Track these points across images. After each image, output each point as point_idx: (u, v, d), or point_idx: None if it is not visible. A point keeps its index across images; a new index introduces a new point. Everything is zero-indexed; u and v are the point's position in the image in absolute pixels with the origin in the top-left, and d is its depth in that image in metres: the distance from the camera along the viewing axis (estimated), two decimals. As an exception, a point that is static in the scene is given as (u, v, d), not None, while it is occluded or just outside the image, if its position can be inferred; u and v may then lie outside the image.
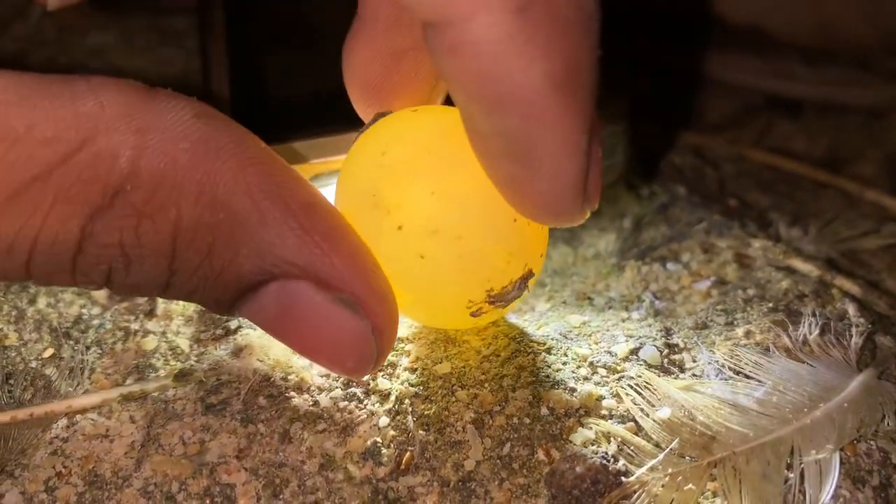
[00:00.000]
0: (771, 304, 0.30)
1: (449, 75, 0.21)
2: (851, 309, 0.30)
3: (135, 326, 0.29)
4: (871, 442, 0.25)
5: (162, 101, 0.22)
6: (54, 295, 0.30)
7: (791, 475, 0.24)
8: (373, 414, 0.26)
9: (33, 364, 0.28)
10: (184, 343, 0.29)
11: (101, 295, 0.31)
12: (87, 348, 0.28)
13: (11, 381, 0.27)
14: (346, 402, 0.26)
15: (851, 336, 0.28)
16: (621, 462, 0.24)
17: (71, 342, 0.29)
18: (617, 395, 0.26)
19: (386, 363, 0.27)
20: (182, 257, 0.22)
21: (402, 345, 0.28)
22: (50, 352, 0.28)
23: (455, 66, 0.20)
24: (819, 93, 0.55)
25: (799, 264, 0.33)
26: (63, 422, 0.26)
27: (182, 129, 0.21)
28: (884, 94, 0.54)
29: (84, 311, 0.30)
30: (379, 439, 0.25)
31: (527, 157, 0.21)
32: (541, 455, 0.25)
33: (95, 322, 0.30)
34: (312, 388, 0.27)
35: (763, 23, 0.58)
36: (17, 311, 0.30)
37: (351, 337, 0.23)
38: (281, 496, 0.24)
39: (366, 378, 0.27)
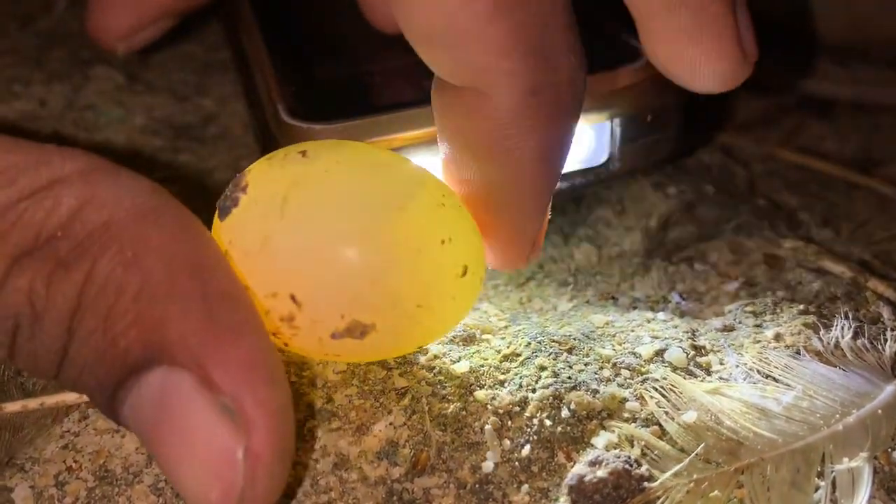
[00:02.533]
0: (801, 307, 0.29)
1: (454, 128, 0.25)
2: (886, 312, 0.29)
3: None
4: (907, 451, 0.24)
5: (123, 172, 0.22)
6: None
7: (822, 483, 0.23)
8: (389, 413, 0.25)
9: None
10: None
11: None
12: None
13: (24, 372, 0.27)
14: (362, 401, 0.25)
15: (886, 340, 0.27)
16: (644, 467, 0.24)
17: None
18: (641, 398, 0.26)
19: (402, 361, 0.26)
20: (82, 315, 0.21)
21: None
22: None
23: (466, 122, 0.24)
24: (851, 92, 0.53)
25: (831, 265, 0.32)
26: (75, 415, 0.26)
27: (132, 196, 0.22)
28: None
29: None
30: (394, 438, 0.25)
31: (502, 207, 0.25)
32: (561, 458, 0.24)
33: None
34: (327, 385, 0.26)
35: (795, 21, 0.57)
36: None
37: (218, 453, 0.20)
38: (294, 495, 0.24)
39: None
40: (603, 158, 0.32)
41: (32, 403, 0.26)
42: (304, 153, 0.24)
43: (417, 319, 0.24)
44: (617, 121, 0.31)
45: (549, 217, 0.27)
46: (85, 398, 0.26)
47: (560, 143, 0.25)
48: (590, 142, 0.32)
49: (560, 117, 0.24)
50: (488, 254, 0.26)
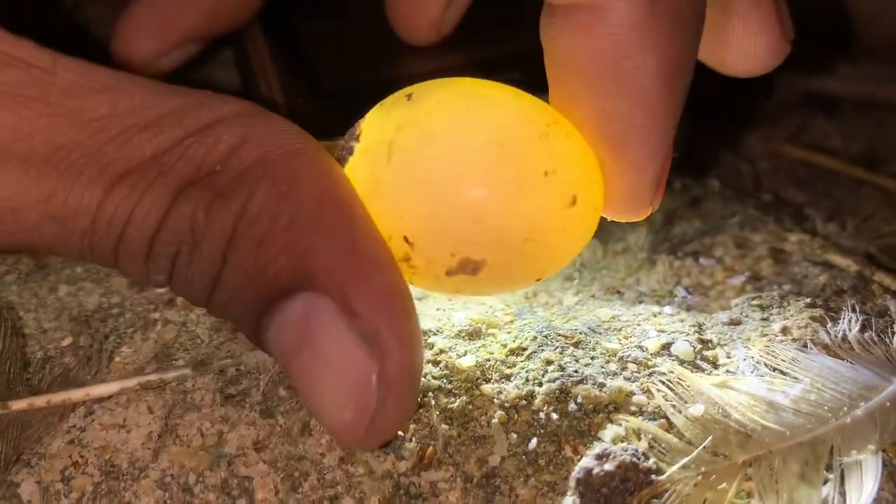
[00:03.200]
0: (808, 300, 0.29)
1: (568, 53, 0.23)
2: (893, 305, 0.29)
3: (154, 316, 0.29)
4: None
5: (275, 116, 0.24)
6: (74, 283, 0.30)
7: (830, 476, 0.23)
8: (395, 407, 0.25)
9: (52, 352, 0.28)
10: (203, 333, 0.28)
11: (121, 284, 0.30)
12: (106, 337, 0.28)
13: (30, 369, 0.27)
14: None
15: (894, 333, 0.27)
16: (652, 460, 0.23)
17: (90, 331, 0.28)
18: (648, 391, 0.26)
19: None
20: (237, 243, 0.22)
21: (426, 337, 0.28)
22: (69, 340, 0.28)
23: (581, 44, 0.22)
24: (856, 90, 0.53)
25: (837, 259, 0.32)
26: (81, 411, 0.26)
27: (284, 136, 0.23)
28: None
29: (104, 299, 0.30)
30: (401, 432, 0.24)
31: (621, 143, 0.23)
32: (568, 451, 0.24)
33: (115, 311, 0.29)
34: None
35: (801, 19, 0.57)
36: (37, 298, 0.29)
37: (354, 374, 0.21)
38: (300, 489, 0.24)
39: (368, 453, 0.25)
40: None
41: (39, 401, 0.26)
42: (409, 96, 0.24)
43: (528, 253, 0.23)
44: None
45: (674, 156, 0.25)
46: (91, 396, 0.26)
47: (683, 65, 0.23)
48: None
49: (682, 32, 0.22)
50: (608, 200, 0.25)
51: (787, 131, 0.49)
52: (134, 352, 0.28)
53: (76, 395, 0.26)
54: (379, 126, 0.24)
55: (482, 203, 0.23)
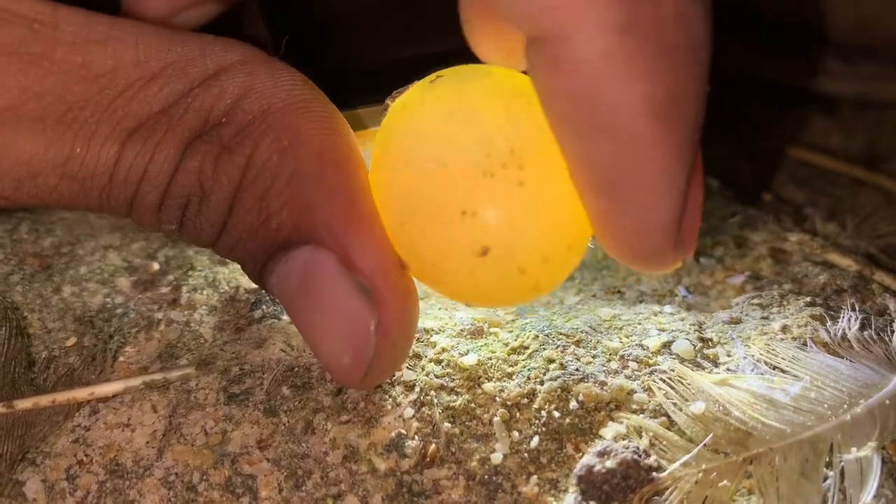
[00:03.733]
0: (808, 299, 0.29)
1: (545, 93, 0.20)
2: (892, 304, 0.29)
3: (158, 316, 0.29)
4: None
5: (277, 63, 0.24)
6: (78, 284, 0.30)
7: (831, 473, 0.23)
8: (397, 405, 0.25)
9: (56, 352, 0.28)
10: (207, 332, 0.28)
11: (125, 284, 0.30)
12: (111, 337, 0.28)
13: (34, 369, 0.27)
14: (371, 394, 0.26)
15: (893, 332, 0.27)
16: (653, 457, 0.24)
17: (94, 331, 0.28)
18: (649, 390, 0.26)
19: (411, 353, 0.27)
20: (241, 195, 0.23)
21: (428, 336, 0.28)
22: (73, 340, 0.28)
23: (552, 83, 0.20)
24: (856, 89, 0.54)
25: (837, 259, 0.32)
26: (86, 410, 0.26)
27: (286, 87, 0.23)
28: None
29: (108, 300, 0.30)
30: (403, 431, 0.25)
31: (618, 189, 0.20)
32: (570, 449, 0.24)
33: (119, 311, 0.29)
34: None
35: (801, 19, 0.58)
36: (41, 299, 0.30)
37: (354, 324, 0.22)
38: (303, 488, 0.24)
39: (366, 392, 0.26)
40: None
41: (44, 400, 0.26)
42: (432, 81, 0.24)
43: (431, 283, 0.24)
44: None
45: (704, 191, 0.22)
46: (96, 395, 0.26)
47: (682, 97, 0.20)
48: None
49: (672, 61, 0.19)
50: (617, 249, 0.22)
51: (786, 131, 0.49)
52: (138, 351, 0.28)
53: (81, 394, 0.26)
54: (394, 107, 0.24)
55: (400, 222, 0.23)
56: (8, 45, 0.22)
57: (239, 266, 0.25)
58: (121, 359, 0.27)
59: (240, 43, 0.24)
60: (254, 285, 0.28)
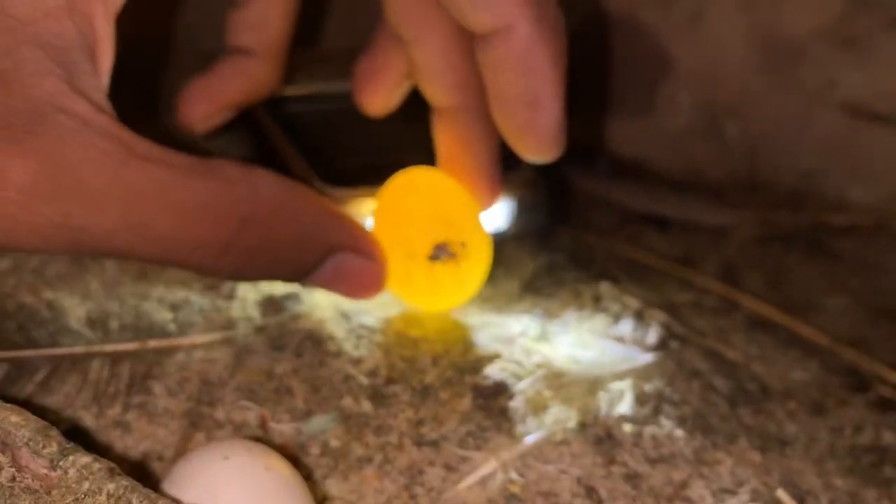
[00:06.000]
0: (611, 319, 0.50)
1: (495, 63, 0.37)
2: (657, 324, 0.50)
3: (222, 304, 0.48)
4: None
5: (258, 170, 0.36)
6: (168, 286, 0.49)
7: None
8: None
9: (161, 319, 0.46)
10: (255, 314, 0.47)
11: (199, 287, 0.49)
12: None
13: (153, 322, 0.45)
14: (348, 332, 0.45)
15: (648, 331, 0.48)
16: (512, 380, 0.43)
17: (182, 313, 0.47)
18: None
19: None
20: (283, 250, 0.37)
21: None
22: (171, 315, 0.46)
23: (502, 55, 0.36)
24: (681, 213, 0.74)
25: (630, 301, 0.53)
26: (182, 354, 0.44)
27: (276, 184, 0.36)
28: (728, 217, 0.74)
29: (188, 296, 0.48)
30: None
31: (538, 103, 0.37)
32: (467, 377, 0.44)
33: (196, 302, 0.48)
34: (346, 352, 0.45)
35: (644, 160, 0.79)
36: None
37: (374, 275, 0.42)
38: (321, 391, 0.42)
39: None
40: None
41: (163, 343, 0.44)
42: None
43: None
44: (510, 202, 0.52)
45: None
46: (192, 343, 0.44)
47: (562, 54, 0.36)
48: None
49: (558, 34, 0.36)
50: (541, 140, 0.39)
51: (624, 236, 0.70)
52: (210, 322, 0.46)
53: (183, 341, 0.44)
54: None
55: None
56: (108, 150, 0.31)
57: None
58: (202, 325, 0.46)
59: (230, 163, 0.35)
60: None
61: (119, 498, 0.27)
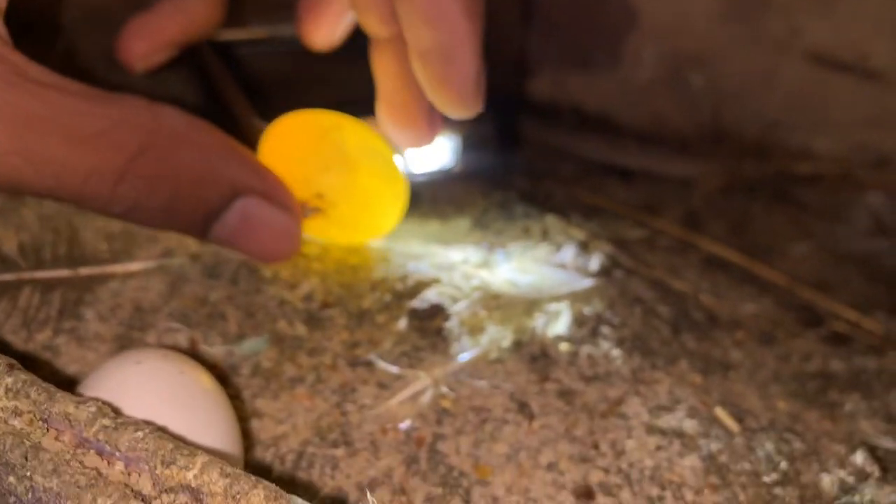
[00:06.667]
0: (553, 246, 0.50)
1: (408, 14, 0.37)
2: (601, 253, 0.50)
3: (159, 234, 0.47)
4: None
5: (162, 104, 0.35)
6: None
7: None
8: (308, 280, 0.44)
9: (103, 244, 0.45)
10: (192, 242, 0.46)
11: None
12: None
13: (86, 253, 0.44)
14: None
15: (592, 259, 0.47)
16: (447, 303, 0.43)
17: (119, 243, 0.46)
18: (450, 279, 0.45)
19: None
20: (180, 191, 0.35)
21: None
22: (106, 246, 0.46)
23: (414, 6, 0.36)
24: (645, 164, 0.74)
25: (576, 233, 0.52)
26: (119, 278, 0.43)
27: (179, 118, 0.35)
28: (693, 168, 0.74)
29: (127, 227, 0.47)
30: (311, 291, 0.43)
31: (451, 57, 0.37)
32: (404, 301, 0.43)
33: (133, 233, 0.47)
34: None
35: (609, 113, 0.79)
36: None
37: (288, 228, 0.38)
38: (255, 316, 0.42)
39: None
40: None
41: (95, 270, 0.43)
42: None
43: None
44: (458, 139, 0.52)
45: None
46: (126, 271, 0.44)
47: (475, 9, 0.36)
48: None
49: None
50: (455, 95, 0.38)
51: (587, 185, 0.70)
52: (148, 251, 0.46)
53: (117, 268, 0.44)
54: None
55: None
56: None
57: None
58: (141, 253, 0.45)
59: (137, 97, 0.34)
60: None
61: (17, 392, 0.27)
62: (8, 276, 0.42)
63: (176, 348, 0.39)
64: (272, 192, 0.38)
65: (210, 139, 0.36)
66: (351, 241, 0.46)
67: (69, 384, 0.35)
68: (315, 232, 0.45)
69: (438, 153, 0.52)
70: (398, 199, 0.44)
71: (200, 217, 0.36)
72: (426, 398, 0.37)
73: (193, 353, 0.39)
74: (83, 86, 0.33)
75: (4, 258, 0.43)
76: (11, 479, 0.26)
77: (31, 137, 0.31)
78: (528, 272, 0.46)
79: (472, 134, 0.53)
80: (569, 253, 0.48)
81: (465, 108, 0.39)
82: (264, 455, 0.35)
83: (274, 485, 0.25)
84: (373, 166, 0.43)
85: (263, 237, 0.38)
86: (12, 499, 0.26)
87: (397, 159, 0.43)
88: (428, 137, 0.45)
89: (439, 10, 0.36)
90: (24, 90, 0.31)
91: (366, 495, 0.33)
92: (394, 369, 0.39)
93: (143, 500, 0.25)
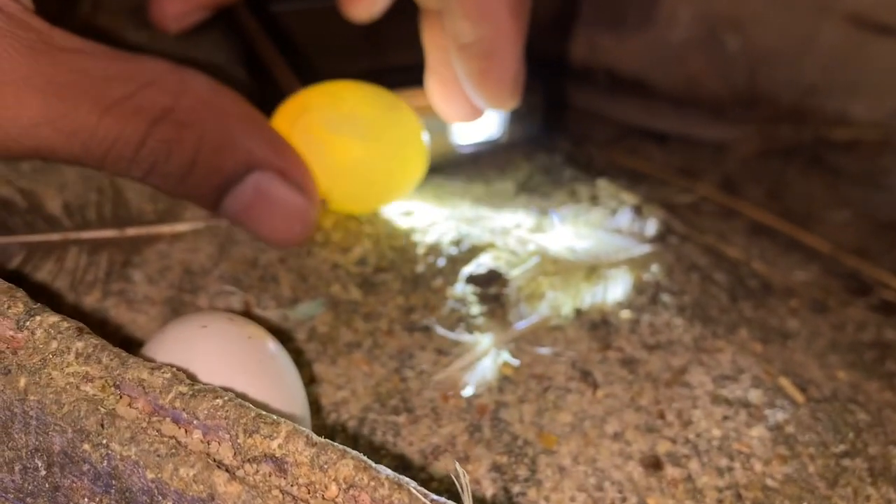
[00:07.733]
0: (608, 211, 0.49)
1: (452, 8, 0.36)
2: (656, 219, 0.48)
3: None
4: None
5: (189, 68, 0.34)
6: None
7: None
8: (360, 244, 0.43)
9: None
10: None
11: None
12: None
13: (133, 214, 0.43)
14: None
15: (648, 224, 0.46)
16: (505, 268, 0.42)
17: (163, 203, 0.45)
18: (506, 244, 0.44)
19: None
20: (199, 156, 0.34)
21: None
22: (151, 206, 0.45)
23: (468, 7, 0.35)
24: (681, 128, 0.73)
25: (627, 197, 0.51)
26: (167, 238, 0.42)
27: (204, 83, 0.34)
28: (728, 132, 0.73)
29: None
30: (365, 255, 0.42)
31: (493, 53, 0.36)
32: (459, 266, 0.42)
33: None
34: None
35: (644, 75, 0.77)
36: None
37: (301, 210, 0.36)
38: (308, 280, 0.41)
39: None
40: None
41: (143, 231, 0.42)
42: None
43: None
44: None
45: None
46: (174, 231, 0.43)
47: (521, 6, 0.35)
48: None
49: None
50: (495, 91, 0.37)
51: (624, 148, 0.69)
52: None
53: (164, 229, 0.43)
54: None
55: None
56: (25, 40, 0.30)
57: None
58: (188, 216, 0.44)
59: (162, 59, 0.33)
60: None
61: (88, 357, 0.26)
62: (54, 237, 0.41)
63: (229, 311, 0.38)
64: (290, 170, 0.36)
65: (233, 107, 0.35)
66: (366, 209, 0.45)
67: (129, 348, 0.34)
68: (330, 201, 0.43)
69: (486, 124, 0.51)
70: (416, 166, 0.42)
71: (214, 187, 0.35)
72: (486, 365, 0.37)
73: (248, 318, 0.38)
74: (108, 48, 0.32)
75: (49, 217, 0.42)
76: (86, 446, 0.25)
77: (61, 107, 0.30)
78: (585, 237, 0.45)
79: (521, 104, 0.51)
80: (625, 218, 0.47)
81: (502, 104, 0.38)
82: (326, 422, 0.34)
83: (362, 454, 0.24)
84: (392, 134, 0.41)
85: (275, 217, 0.36)
86: (86, 466, 0.25)
87: (420, 125, 0.41)
88: (476, 113, 0.43)
89: (484, 6, 0.35)
90: (50, 58, 0.30)
91: (433, 463, 0.32)
92: (452, 335, 0.38)
93: (226, 469, 0.24)
